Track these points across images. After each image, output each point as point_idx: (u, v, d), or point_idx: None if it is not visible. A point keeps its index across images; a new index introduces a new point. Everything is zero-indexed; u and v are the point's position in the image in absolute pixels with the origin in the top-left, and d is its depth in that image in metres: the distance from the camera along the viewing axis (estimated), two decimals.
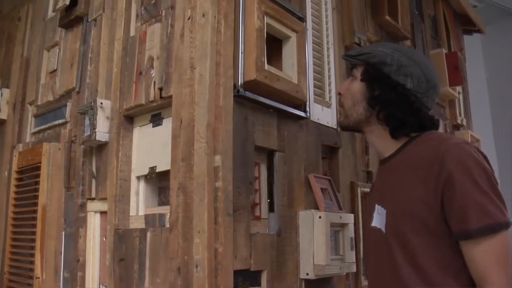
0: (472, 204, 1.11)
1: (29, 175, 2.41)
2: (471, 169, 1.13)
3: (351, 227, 1.94)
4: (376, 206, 1.33)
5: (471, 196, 1.11)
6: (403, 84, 1.28)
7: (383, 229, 1.28)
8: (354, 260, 1.94)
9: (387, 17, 2.64)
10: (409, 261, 1.20)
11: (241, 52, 1.64)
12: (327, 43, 2.18)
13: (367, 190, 2.25)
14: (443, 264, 1.16)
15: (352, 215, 1.98)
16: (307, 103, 1.91)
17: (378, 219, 1.31)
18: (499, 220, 1.10)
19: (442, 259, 1.17)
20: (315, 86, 2.03)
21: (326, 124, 2.08)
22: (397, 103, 1.29)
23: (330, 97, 2.12)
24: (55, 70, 2.49)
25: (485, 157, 1.20)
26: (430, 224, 1.17)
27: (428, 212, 1.16)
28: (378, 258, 1.33)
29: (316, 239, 1.78)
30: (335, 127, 2.13)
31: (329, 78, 2.14)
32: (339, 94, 1.43)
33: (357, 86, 1.36)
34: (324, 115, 2.07)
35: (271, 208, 1.77)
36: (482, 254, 1.11)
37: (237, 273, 1.54)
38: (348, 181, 2.19)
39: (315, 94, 2.02)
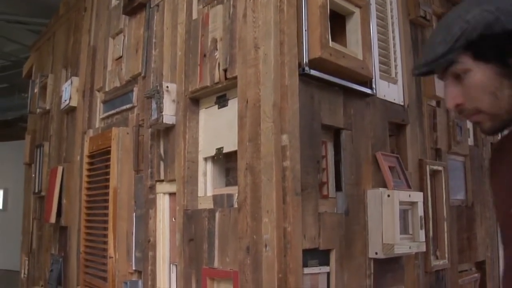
0: None
1: (100, 159, 2.51)
2: None
3: (420, 205, 1.89)
4: None
5: None
6: None
7: None
8: (424, 240, 1.89)
9: None
10: None
11: (305, 30, 1.62)
12: (392, 17, 2.11)
13: (436, 168, 2.19)
14: None
15: (421, 194, 1.94)
16: (373, 79, 1.86)
17: None
18: None
19: None
20: (380, 62, 1.98)
21: (393, 101, 2.03)
22: None
23: (396, 73, 2.07)
24: (121, 57, 2.56)
25: None
26: None
27: None
28: None
29: (385, 218, 1.75)
30: (402, 103, 2.08)
31: (394, 53, 2.08)
32: (457, 105, 1.05)
33: (481, 76, 0.99)
34: (390, 91, 2.01)
35: (338, 187, 1.75)
36: None
37: (306, 252, 1.54)
38: (417, 158, 2.13)
39: (380, 71, 1.97)
